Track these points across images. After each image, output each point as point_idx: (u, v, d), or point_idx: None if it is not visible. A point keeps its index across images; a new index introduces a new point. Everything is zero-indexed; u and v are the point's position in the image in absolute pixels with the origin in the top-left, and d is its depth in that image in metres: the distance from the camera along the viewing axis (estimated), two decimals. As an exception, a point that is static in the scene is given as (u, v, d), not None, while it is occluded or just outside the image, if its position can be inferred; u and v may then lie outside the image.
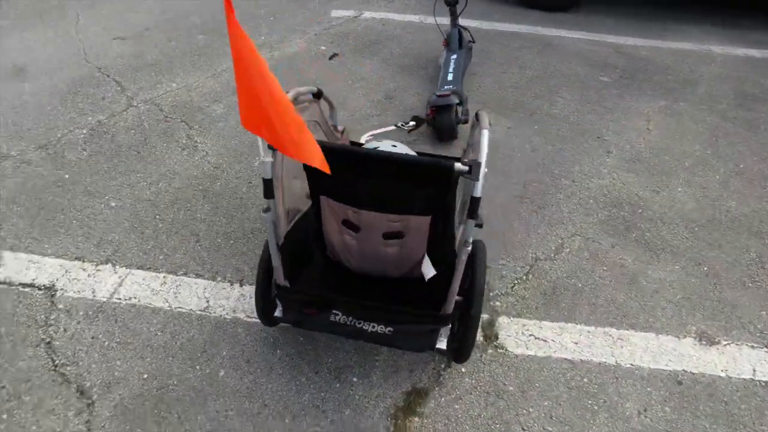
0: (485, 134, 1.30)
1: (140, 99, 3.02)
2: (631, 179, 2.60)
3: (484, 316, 1.87)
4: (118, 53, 3.51)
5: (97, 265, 2.01)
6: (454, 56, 3.22)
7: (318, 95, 1.69)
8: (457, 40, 3.32)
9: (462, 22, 3.36)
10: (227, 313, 1.84)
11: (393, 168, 1.24)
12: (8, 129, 2.74)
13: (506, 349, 1.79)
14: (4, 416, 1.54)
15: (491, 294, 1.97)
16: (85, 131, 2.75)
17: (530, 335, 1.85)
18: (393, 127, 2.62)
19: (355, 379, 1.65)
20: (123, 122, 2.83)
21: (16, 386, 1.61)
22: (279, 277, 1.45)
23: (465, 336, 1.52)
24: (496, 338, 1.83)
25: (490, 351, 1.78)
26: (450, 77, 3.01)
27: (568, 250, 2.19)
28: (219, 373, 1.66)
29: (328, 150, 1.11)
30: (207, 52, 3.60)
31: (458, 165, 1.17)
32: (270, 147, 1.24)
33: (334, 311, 1.44)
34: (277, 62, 3.50)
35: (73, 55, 3.46)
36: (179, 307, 1.85)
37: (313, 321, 1.48)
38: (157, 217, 2.24)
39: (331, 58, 3.60)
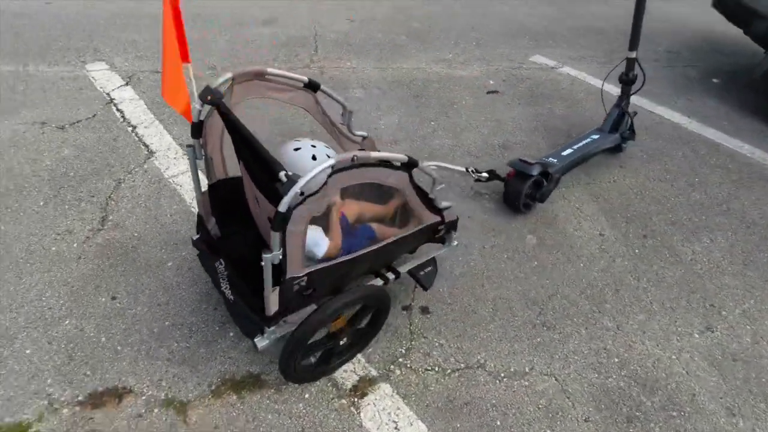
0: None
1: (316, 66, 3.73)
2: None
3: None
4: (338, 29, 4.31)
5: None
6: (594, 136, 2.85)
7: (313, 87, 1.78)
8: (612, 122, 2.91)
9: (662, 108, 2.90)
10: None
11: (256, 156, 1.31)
12: (240, 59, 3.81)
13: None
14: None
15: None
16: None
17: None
18: (463, 170, 2.56)
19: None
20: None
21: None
22: (199, 207, 1.73)
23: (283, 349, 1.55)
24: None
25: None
26: (565, 152, 2.70)
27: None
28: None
29: (229, 121, 1.34)
30: (400, 50, 4.08)
31: (282, 174, 1.22)
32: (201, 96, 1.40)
33: (220, 259, 1.65)
34: (441, 78, 3.73)
35: (310, 19, 4.44)
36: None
37: (204, 258, 1.75)
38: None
39: (489, 92, 3.62)
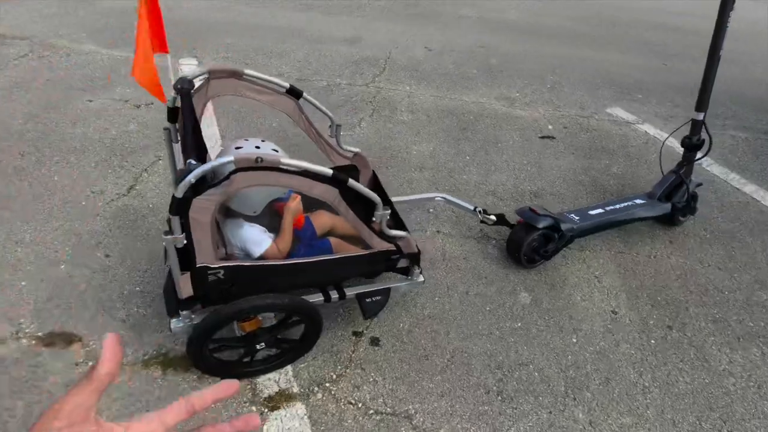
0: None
1: (374, 85, 3.81)
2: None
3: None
4: (412, 56, 4.39)
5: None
6: (639, 201, 2.49)
7: (295, 93, 1.80)
8: (665, 189, 2.51)
9: (753, 187, 2.52)
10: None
11: (188, 143, 1.42)
12: (307, 70, 4.07)
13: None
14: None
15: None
16: (324, 83, 3.77)
17: None
18: (470, 208, 2.38)
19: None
20: (355, 95, 3.69)
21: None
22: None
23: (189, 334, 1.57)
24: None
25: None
26: (593, 211, 2.40)
27: None
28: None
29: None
30: (466, 82, 4.01)
31: (189, 161, 1.24)
32: (174, 85, 1.54)
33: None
34: (496, 114, 3.57)
35: (390, 43, 4.57)
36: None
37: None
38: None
39: (542, 137, 3.37)
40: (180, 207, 1.26)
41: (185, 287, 1.46)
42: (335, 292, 1.78)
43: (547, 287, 2.27)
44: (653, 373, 1.94)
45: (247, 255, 1.62)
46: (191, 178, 1.22)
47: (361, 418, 1.70)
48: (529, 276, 2.31)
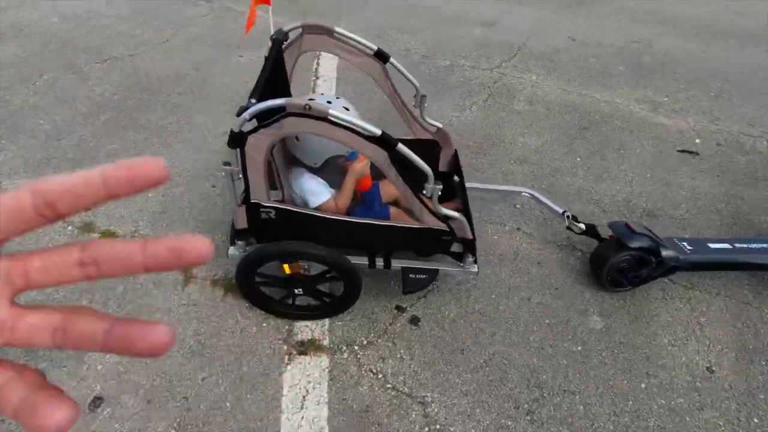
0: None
1: (498, 71, 3.60)
2: None
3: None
4: (551, 45, 4.01)
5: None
6: (754, 245, 1.97)
7: (382, 57, 1.79)
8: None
9: None
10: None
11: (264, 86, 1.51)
12: (434, 49, 4.02)
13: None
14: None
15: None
16: (447, 62, 3.68)
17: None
18: (559, 211, 2.12)
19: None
20: (474, 77, 3.55)
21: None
22: None
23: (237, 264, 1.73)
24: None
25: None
26: (716, 245, 1.96)
27: None
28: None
29: None
30: (605, 79, 3.56)
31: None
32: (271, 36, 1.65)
33: None
34: (630, 118, 3.11)
35: (530, 29, 4.25)
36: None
37: None
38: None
39: (681, 150, 2.83)
40: (235, 141, 1.38)
41: (240, 219, 1.61)
42: (381, 260, 1.78)
43: (629, 318, 1.95)
44: (739, 456, 1.56)
45: (305, 204, 1.70)
46: (246, 115, 1.33)
47: (377, 389, 1.70)
48: (609, 300, 2.01)
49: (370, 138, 1.36)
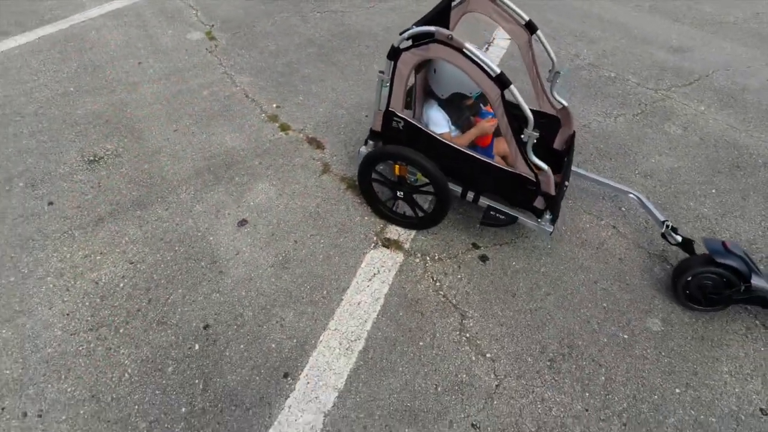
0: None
1: (662, 92, 3.46)
2: None
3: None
4: (740, 82, 3.66)
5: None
6: None
7: (530, 27, 2.03)
8: None
9: None
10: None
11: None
12: (612, 59, 4.01)
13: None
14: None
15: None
16: (612, 74, 3.67)
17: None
18: (660, 220, 2.11)
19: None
20: (635, 94, 3.50)
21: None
22: None
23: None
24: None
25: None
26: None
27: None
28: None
29: None
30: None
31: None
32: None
33: None
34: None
35: (723, 63, 3.92)
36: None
37: None
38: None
39: None
40: (393, 53, 1.84)
41: (377, 122, 2.09)
42: (473, 194, 2.10)
43: (694, 336, 1.94)
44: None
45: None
46: (405, 34, 1.77)
47: (431, 291, 2.05)
48: (680, 313, 2.01)
49: (490, 75, 1.69)
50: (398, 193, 2.20)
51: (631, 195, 2.30)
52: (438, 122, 2.10)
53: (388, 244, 2.24)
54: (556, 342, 1.89)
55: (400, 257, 2.19)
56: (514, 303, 2.03)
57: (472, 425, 1.64)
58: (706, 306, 1.97)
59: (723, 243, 1.90)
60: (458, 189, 2.11)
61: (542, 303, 2.03)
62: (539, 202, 1.98)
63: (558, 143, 2.31)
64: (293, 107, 3.10)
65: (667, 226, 2.11)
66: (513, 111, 1.76)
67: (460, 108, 2.10)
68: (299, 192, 2.49)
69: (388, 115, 2.03)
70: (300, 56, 3.67)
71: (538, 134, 1.75)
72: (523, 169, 1.89)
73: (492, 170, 1.97)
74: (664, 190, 2.63)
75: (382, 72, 1.96)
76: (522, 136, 1.79)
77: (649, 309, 2.03)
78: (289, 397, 1.69)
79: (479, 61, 1.68)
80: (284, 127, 2.92)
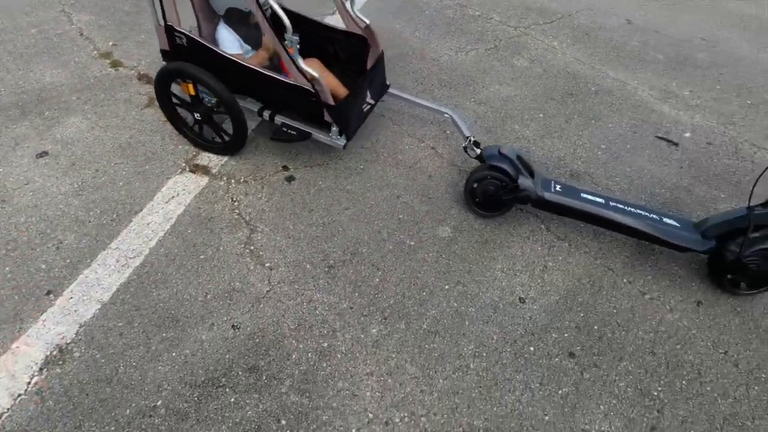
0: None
1: (522, 30, 3.52)
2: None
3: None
4: (597, 22, 3.77)
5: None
6: (633, 209, 1.86)
7: None
8: (719, 225, 1.77)
9: None
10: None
11: None
12: (487, 2, 4.02)
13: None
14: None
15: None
16: (478, 13, 3.70)
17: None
18: (466, 134, 2.15)
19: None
20: (493, 31, 3.54)
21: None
22: None
23: None
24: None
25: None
26: (588, 196, 1.93)
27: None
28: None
29: None
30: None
31: None
32: None
33: None
34: (630, 99, 2.91)
35: (587, 5, 4.02)
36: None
37: None
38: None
39: (660, 137, 2.62)
40: None
41: (162, 40, 2.01)
42: (268, 113, 2.08)
43: (479, 240, 2.03)
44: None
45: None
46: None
47: (227, 210, 2.04)
48: (472, 222, 2.11)
49: None
50: (196, 116, 2.15)
51: (446, 114, 2.34)
52: (228, 43, 2.05)
53: (196, 169, 2.20)
54: (341, 250, 1.93)
55: (204, 181, 2.15)
56: (309, 218, 2.04)
57: (233, 326, 1.66)
58: (493, 211, 2.05)
59: (498, 148, 1.97)
60: (252, 107, 2.08)
61: (338, 217, 2.06)
62: (329, 118, 1.98)
63: (370, 63, 2.30)
64: (132, 45, 2.95)
65: (470, 141, 2.16)
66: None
67: (246, 25, 2.06)
68: (115, 125, 2.39)
69: (169, 31, 1.95)
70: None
71: (298, 38, 1.73)
72: (300, 80, 1.87)
73: (277, 85, 1.94)
74: (494, 116, 2.70)
75: None
76: (285, 42, 1.76)
77: (443, 219, 2.09)
78: (45, 312, 1.65)
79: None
80: (116, 64, 2.78)
